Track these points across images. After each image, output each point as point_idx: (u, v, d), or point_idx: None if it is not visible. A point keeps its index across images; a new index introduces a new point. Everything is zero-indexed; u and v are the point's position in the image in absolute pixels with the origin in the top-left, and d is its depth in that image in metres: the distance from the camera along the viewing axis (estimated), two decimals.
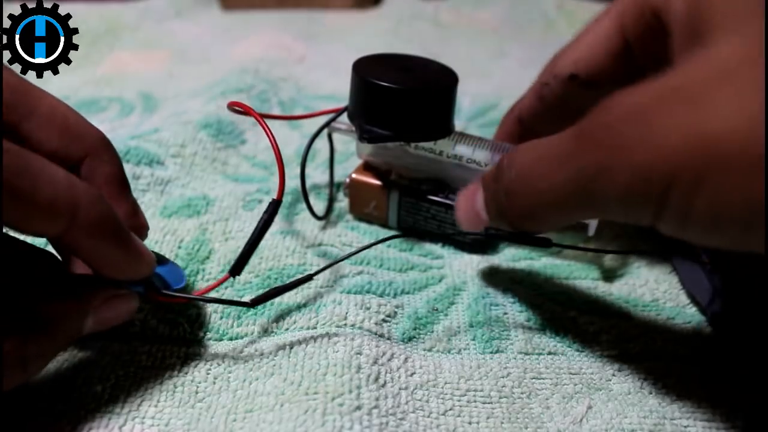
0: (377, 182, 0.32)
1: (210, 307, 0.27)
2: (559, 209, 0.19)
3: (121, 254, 0.21)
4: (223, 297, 0.27)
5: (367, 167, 0.33)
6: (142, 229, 0.25)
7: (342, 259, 0.27)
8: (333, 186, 0.34)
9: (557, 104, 0.28)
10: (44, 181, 0.18)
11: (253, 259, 0.29)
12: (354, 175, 0.32)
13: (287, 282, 0.25)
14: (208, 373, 0.24)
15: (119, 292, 0.22)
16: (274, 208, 0.25)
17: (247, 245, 0.25)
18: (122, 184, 0.24)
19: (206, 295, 0.25)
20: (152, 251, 0.23)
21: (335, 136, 0.34)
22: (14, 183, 0.17)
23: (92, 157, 0.23)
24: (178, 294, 0.24)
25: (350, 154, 0.40)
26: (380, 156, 0.32)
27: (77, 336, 0.21)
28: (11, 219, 0.17)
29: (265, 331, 0.26)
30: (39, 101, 0.23)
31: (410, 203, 0.31)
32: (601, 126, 0.17)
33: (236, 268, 0.25)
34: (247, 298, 0.27)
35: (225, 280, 0.25)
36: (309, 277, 0.25)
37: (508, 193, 0.21)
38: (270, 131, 0.25)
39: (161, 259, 0.25)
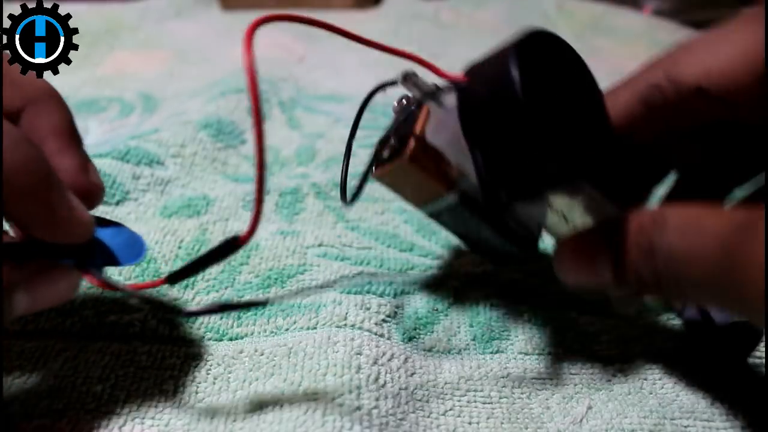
0: (437, 177, 0.23)
1: None
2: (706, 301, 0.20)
3: (47, 209, 0.18)
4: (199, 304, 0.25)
5: (425, 146, 0.23)
6: (95, 189, 0.21)
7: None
8: (349, 159, 0.26)
9: (668, 113, 0.23)
10: None
11: (253, 259, 0.30)
12: (409, 156, 0.22)
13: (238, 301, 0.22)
14: (208, 374, 0.24)
15: (53, 263, 0.19)
16: (230, 248, 0.19)
17: (195, 263, 0.20)
18: (70, 136, 0.21)
19: (134, 290, 0.21)
20: (106, 218, 0.21)
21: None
22: None
23: (34, 106, 0.21)
24: (103, 278, 0.20)
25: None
26: (452, 152, 0.23)
27: (10, 316, 0.18)
28: None
29: (265, 332, 0.26)
30: None
31: (462, 213, 0.25)
32: (745, 267, 0.17)
33: (175, 277, 0.21)
34: (247, 297, 0.27)
35: (160, 284, 0.21)
36: (263, 303, 0.21)
37: (656, 272, 0.19)
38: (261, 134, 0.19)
39: (119, 228, 0.22)
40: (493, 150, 0.20)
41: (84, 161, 0.22)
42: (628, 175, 0.26)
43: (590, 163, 0.20)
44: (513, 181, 0.20)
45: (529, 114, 0.19)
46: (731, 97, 0.21)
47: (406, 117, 0.23)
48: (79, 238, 0.19)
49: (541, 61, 0.20)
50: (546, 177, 0.20)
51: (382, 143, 0.23)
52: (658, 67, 0.23)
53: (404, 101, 0.24)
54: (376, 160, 0.23)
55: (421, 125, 0.23)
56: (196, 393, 0.23)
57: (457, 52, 0.58)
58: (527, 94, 0.19)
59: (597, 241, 0.21)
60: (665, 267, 0.19)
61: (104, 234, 0.21)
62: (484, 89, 0.20)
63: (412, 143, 0.22)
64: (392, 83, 0.23)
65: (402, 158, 0.22)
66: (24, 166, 0.17)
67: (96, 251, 0.20)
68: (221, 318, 0.26)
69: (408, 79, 0.21)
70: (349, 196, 0.24)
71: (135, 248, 0.22)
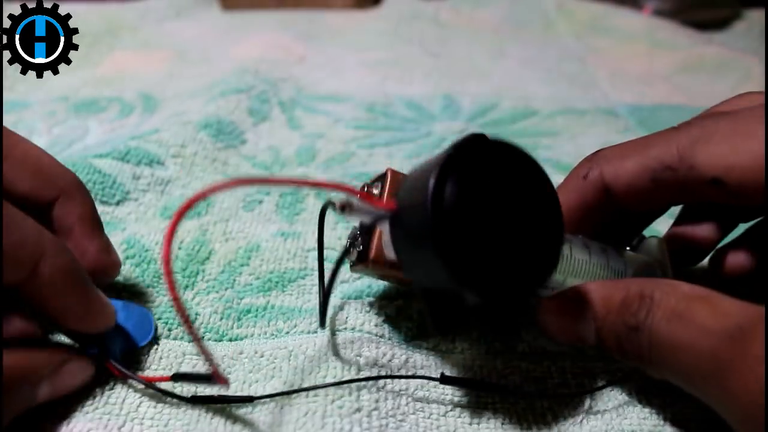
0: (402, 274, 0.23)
1: (210, 307, 0.27)
2: (689, 390, 0.20)
3: (81, 305, 0.21)
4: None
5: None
6: (114, 266, 0.25)
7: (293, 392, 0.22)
8: (324, 286, 0.25)
9: (675, 192, 0.23)
10: (13, 227, 0.19)
11: (254, 261, 0.29)
12: (372, 260, 0.23)
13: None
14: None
15: (74, 355, 0.22)
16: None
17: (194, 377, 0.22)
18: (94, 222, 0.25)
19: (157, 384, 0.22)
20: (120, 300, 0.24)
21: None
22: None
23: (64, 197, 0.24)
24: (126, 372, 0.22)
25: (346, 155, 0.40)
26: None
27: (28, 405, 0.20)
28: None
29: (266, 334, 0.26)
30: (14, 145, 0.23)
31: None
32: (736, 377, 0.17)
33: (178, 377, 0.23)
34: (247, 299, 0.27)
35: (167, 379, 0.23)
36: (250, 399, 0.22)
37: (640, 350, 0.20)
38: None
39: (127, 305, 0.24)
40: (421, 280, 0.20)
41: (106, 243, 0.25)
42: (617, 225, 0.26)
43: (518, 289, 0.19)
44: (444, 308, 0.20)
45: (440, 249, 0.18)
46: (748, 192, 0.21)
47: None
48: (104, 328, 0.22)
49: (472, 177, 0.18)
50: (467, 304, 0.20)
51: (353, 239, 0.24)
52: (673, 146, 0.22)
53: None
54: (349, 256, 0.24)
55: (377, 236, 0.23)
56: (196, 394, 0.23)
57: (457, 52, 0.58)
58: (439, 228, 0.18)
59: (581, 304, 0.21)
60: (649, 349, 0.19)
61: (119, 315, 0.23)
62: (407, 216, 0.19)
63: (372, 252, 0.23)
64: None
65: (366, 262, 0.23)
66: (66, 268, 0.20)
67: (116, 337, 0.23)
68: (221, 319, 0.26)
69: (345, 209, 0.21)
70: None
71: (146, 325, 0.24)
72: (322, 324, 0.24)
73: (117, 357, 0.23)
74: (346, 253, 0.23)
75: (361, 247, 0.23)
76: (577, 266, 0.23)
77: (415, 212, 0.18)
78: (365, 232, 0.23)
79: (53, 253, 0.20)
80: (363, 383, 0.23)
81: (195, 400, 0.22)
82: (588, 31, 0.66)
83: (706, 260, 0.26)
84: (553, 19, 0.68)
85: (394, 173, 0.24)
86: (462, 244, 0.18)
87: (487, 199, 0.18)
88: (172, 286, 0.18)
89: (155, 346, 0.25)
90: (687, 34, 0.64)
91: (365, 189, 0.24)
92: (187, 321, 0.18)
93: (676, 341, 0.19)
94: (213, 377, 0.20)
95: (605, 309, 0.21)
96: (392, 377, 0.24)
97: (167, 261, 0.18)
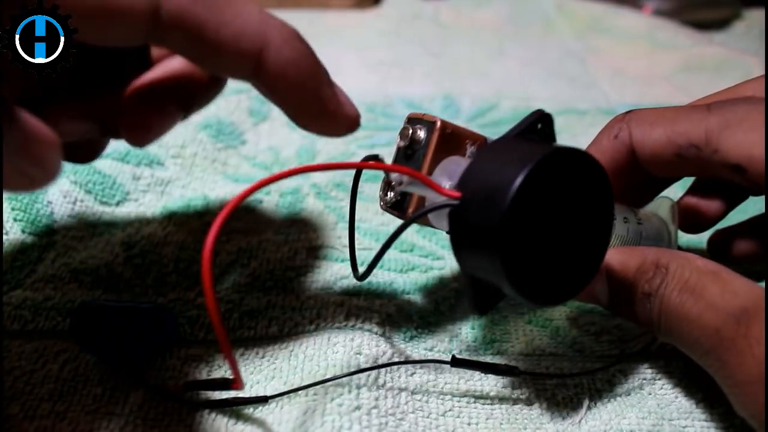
0: None
1: None
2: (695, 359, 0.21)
3: (316, 102, 0.19)
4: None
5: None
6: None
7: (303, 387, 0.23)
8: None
9: (697, 168, 0.23)
10: (231, 14, 0.17)
11: (254, 261, 0.30)
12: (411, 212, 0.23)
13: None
14: (208, 376, 0.24)
15: None
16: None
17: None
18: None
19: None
20: (141, 302, 0.24)
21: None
22: (198, 16, 0.16)
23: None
24: (143, 382, 0.23)
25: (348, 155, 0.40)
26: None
27: None
28: (193, 56, 0.16)
29: (266, 334, 0.26)
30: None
31: None
32: (737, 355, 0.18)
33: (190, 386, 0.23)
34: (247, 300, 0.27)
35: (178, 389, 0.23)
36: (264, 399, 0.22)
37: (650, 317, 0.21)
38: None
39: (151, 311, 0.24)
40: (470, 268, 0.20)
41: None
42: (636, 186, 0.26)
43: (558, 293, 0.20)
44: (486, 292, 0.21)
45: (504, 257, 0.18)
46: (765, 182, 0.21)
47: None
48: (345, 132, 0.20)
49: (547, 189, 0.18)
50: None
51: (387, 183, 0.23)
52: (702, 126, 0.22)
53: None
54: (383, 197, 0.24)
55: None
56: (198, 395, 0.23)
57: (457, 52, 0.58)
58: (508, 237, 0.18)
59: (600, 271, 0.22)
60: (659, 316, 0.20)
61: (138, 321, 0.24)
62: (472, 208, 0.19)
63: (411, 208, 0.23)
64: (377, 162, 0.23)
65: (405, 214, 0.23)
66: (294, 60, 0.18)
67: (136, 343, 0.24)
68: (222, 320, 0.26)
69: (401, 185, 0.21)
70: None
71: (168, 327, 0.25)
72: (359, 274, 0.23)
73: (136, 363, 0.23)
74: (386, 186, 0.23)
75: (399, 197, 0.23)
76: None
77: (483, 209, 0.18)
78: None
79: (280, 40, 0.18)
80: (366, 379, 0.23)
81: (211, 405, 0.22)
82: (588, 31, 0.66)
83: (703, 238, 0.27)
84: (553, 19, 0.68)
85: (443, 128, 0.22)
86: (525, 255, 0.18)
87: (554, 214, 0.19)
88: (210, 293, 0.17)
89: (174, 350, 0.25)
90: (687, 34, 0.64)
91: (409, 124, 0.23)
92: (222, 333, 0.17)
93: (685, 313, 0.20)
94: (228, 382, 0.20)
95: (621, 274, 0.22)
96: (403, 363, 0.24)
97: (208, 269, 0.17)
